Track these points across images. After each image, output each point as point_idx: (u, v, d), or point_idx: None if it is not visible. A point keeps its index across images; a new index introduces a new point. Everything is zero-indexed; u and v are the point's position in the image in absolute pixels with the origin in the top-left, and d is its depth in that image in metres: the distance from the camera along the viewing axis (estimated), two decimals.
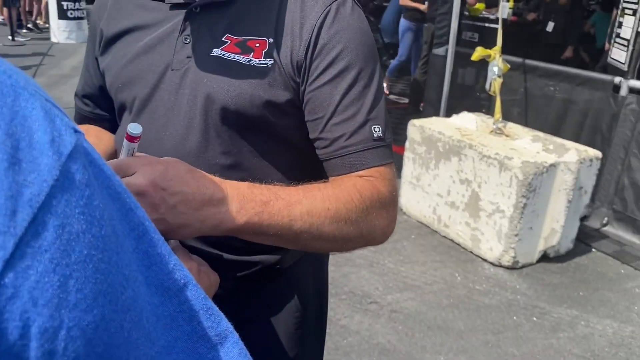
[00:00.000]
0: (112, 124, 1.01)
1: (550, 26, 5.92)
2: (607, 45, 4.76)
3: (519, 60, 4.07)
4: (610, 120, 3.53)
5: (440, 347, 2.40)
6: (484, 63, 3.69)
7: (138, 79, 0.84)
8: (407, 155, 3.57)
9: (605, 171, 3.49)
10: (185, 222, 0.65)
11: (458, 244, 3.29)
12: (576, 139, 3.50)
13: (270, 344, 0.97)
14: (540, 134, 3.35)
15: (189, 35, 0.82)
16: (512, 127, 3.49)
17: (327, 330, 1.15)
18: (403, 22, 6.29)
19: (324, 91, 0.80)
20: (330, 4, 0.80)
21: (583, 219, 3.35)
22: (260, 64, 0.79)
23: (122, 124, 0.93)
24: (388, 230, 0.83)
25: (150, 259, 0.38)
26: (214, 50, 0.81)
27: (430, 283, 2.90)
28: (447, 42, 4.56)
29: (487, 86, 3.57)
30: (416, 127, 3.52)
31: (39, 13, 10.46)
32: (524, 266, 3.09)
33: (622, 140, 3.45)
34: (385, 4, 7.93)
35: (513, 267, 3.05)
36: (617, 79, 3.45)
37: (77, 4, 9.33)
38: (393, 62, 6.58)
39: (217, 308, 0.44)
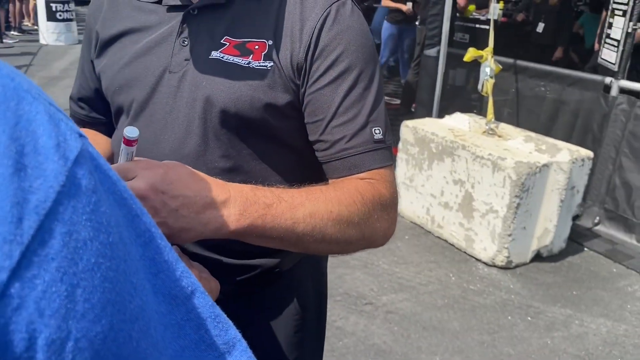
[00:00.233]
0: (108, 128, 1.00)
1: (540, 27, 5.96)
2: (597, 45, 4.79)
3: (510, 61, 4.09)
4: (601, 120, 3.55)
5: (436, 347, 2.41)
6: (474, 64, 3.71)
7: (135, 81, 0.83)
8: (400, 156, 3.57)
9: (596, 171, 3.51)
10: (186, 225, 0.64)
11: (452, 245, 3.30)
12: (567, 139, 3.52)
13: (270, 348, 0.97)
14: (533, 134, 3.36)
15: (186, 38, 0.82)
16: (505, 128, 3.50)
17: None
18: (385, 25, 6.28)
19: (325, 93, 0.79)
20: (330, 5, 0.80)
21: (575, 218, 3.37)
22: (260, 66, 0.79)
23: (119, 127, 0.92)
24: (389, 233, 0.83)
25: (157, 266, 0.37)
26: (213, 52, 0.80)
27: (425, 283, 2.91)
28: (438, 43, 4.57)
29: (479, 87, 3.58)
30: (409, 128, 3.53)
31: (28, 15, 10.37)
32: (517, 266, 3.10)
33: (613, 140, 3.48)
34: (375, 5, 7.94)
35: (507, 267, 3.06)
36: (608, 79, 3.48)
37: (66, 5, 9.27)
38: None
39: (225, 316, 0.43)
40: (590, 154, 3.16)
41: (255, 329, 0.94)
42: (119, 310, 0.30)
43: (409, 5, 5.96)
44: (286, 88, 0.80)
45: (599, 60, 3.70)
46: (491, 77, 3.45)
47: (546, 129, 3.78)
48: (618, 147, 3.46)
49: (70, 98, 1.03)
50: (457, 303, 2.74)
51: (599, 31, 5.01)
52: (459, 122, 3.59)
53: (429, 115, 4.46)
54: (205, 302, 0.41)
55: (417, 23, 5.91)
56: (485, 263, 3.10)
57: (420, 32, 5.59)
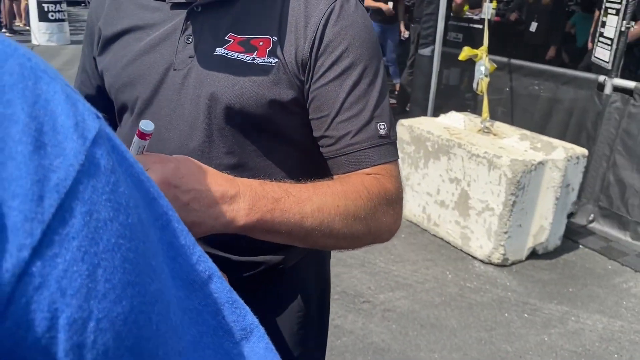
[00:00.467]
0: (110, 124, 0.99)
1: (533, 26, 5.99)
2: (590, 44, 4.83)
3: (504, 59, 4.11)
4: (595, 119, 3.58)
5: (434, 345, 2.41)
6: (469, 63, 3.72)
7: (140, 79, 0.83)
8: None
9: (590, 168, 3.54)
10: (198, 219, 0.64)
11: (448, 243, 3.31)
12: (562, 137, 3.54)
13: (274, 344, 0.97)
14: (528, 133, 3.38)
15: (191, 35, 0.81)
16: (500, 126, 3.52)
17: None
18: None
19: (329, 89, 0.79)
20: (335, 1, 0.80)
21: (570, 215, 3.39)
22: (265, 62, 0.79)
23: (122, 125, 0.91)
24: (394, 228, 0.83)
25: (175, 250, 0.37)
26: (217, 49, 0.80)
27: (422, 282, 2.91)
28: (433, 43, 4.59)
29: (474, 86, 3.60)
30: (405, 127, 3.54)
31: (19, 15, 10.30)
32: (513, 263, 3.11)
33: (607, 138, 3.51)
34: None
35: (503, 265, 3.08)
36: (602, 78, 3.50)
37: (58, 5, 9.21)
38: None
39: (242, 301, 0.42)
40: (585, 151, 3.19)
41: None
42: (139, 292, 0.30)
43: (390, 5, 5.98)
44: (291, 84, 0.80)
45: (593, 58, 3.73)
46: (486, 76, 3.47)
47: (540, 127, 3.80)
48: (612, 144, 3.48)
49: None
50: (454, 301, 2.75)
51: (592, 30, 5.04)
52: (454, 120, 3.61)
53: (424, 114, 4.48)
54: (222, 287, 0.40)
55: (403, 22, 5.92)
56: (481, 261, 3.12)
57: (414, 31, 5.61)
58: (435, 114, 4.25)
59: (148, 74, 0.83)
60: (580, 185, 3.30)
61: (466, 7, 5.58)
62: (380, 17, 6.04)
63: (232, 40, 0.80)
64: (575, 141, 3.45)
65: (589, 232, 3.55)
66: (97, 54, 0.91)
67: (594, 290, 2.93)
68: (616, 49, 3.37)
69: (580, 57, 5.77)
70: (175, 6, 0.84)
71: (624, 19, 3.30)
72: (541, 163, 2.97)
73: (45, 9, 9.07)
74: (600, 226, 3.57)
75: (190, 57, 0.81)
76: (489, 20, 3.68)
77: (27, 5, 9.63)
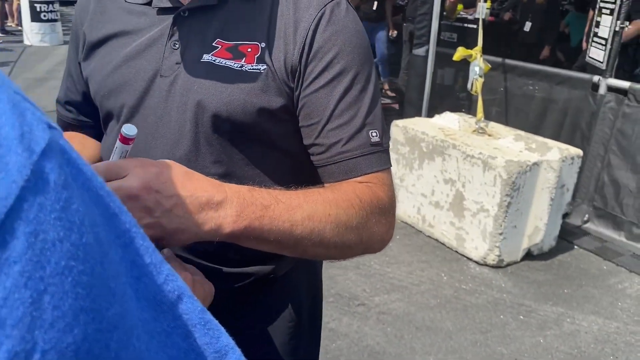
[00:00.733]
0: (96, 131, 0.97)
1: (527, 26, 5.99)
2: (584, 44, 4.82)
3: (498, 59, 4.10)
4: (590, 119, 3.57)
5: (429, 347, 2.40)
6: (463, 63, 3.71)
7: (125, 86, 0.81)
8: (391, 156, 3.56)
9: (585, 169, 3.53)
10: (181, 226, 0.62)
11: (443, 244, 3.30)
12: (556, 137, 3.54)
13: (264, 355, 0.95)
14: (522, 133, 3.37)
15: (177, 41, 0.79)
16: (495, 127, 3.51)
17: None
18: None
19: (320, 96, 0.77)
20: (325, 5, 0.78)
21: (565, 216, 3.38)
22: (253, 69, 0.77)
23: (107, 132, 0.89)
24: (386, 238, 0.81)
25: (139, 269, 0.34)
26: (204, 55, 0.78)
27: (417, 284, 2.90)
28: (427, 43, 4.58)
29: (468, 86, 3.59)
30: (399, 128, 3.52)
31: (11, 15, 10.23)
32: (508, 264, 3.11)
33: (601, 138, 3.50)
34: None
35: (498, 266, 3.07)
36: (596, 78, 3.50)
37: (50, 5, 9.15)
38: None
39: (217, 322, 0.40)
40: (580, 152, 3.18)
41: (249, 337, 0.93)
42: (94, 318, 0.28)
43: (375, 5, 5.99)
44: (280, 91, 0.78)
45: (587, 58, 3.72)
46: (480, 76, 3.46)
47: (535, 128, 3.80)
48: (606, 145, 3.48)
49: (57, 101, 1.00)
50: (449, 303, 2.74)
51: (586, 30, 5.04)
52: (449, 121, 3.60)
53: (418, 114, 4.46)
54: (193, 308, 0.38)
55: (391, 21, 5.91)
56: (476, 262, 3.11)
57: (406, 30, 5.60)
58: (430, 114, 4.24)
59: (134, 81, 0.81)
60: (575, 185, 3.30)
61: (460, 7, 5.56)
62: (367, 15, 6.04)
63: (220, 47, 0.78)
64: (570, 141, 3.44)
65: (583, 233, 3.55)
66: (82, 59, 0.89)
67: (589, 291, 2.93)
68: (610, 49, 3.37)
69: (574, 56, 5.77)
70: (161, 11, 0.81)
71: (618, 19, 3.30)
72: (536, 164, 2.96)
73: (38, 9, 9.02)
74: (595, 226, 3.57)
75: (177, 63, 0.79)
76: (483, 20, 3.67)
77: (19, 5, 9.56)
